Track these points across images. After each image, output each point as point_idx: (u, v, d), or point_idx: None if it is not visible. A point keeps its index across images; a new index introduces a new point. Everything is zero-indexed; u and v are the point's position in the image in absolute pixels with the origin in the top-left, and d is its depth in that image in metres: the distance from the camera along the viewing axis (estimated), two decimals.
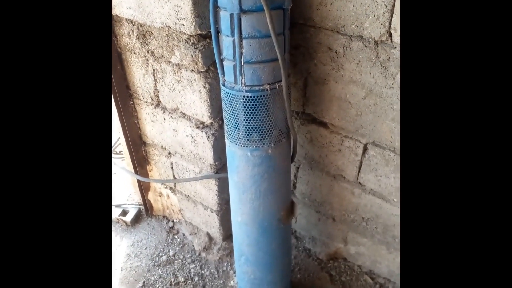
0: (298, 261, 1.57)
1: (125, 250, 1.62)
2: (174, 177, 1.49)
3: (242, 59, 0.87)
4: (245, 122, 0.95)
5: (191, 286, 1.48)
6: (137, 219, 1.74)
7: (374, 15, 0.87)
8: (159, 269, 1.54)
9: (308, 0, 0.94)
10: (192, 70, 1.06)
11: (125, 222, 1.71)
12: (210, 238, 1.61)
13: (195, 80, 1.08)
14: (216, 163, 1.29)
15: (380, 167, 1.15)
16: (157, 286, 1.48)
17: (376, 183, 1.19)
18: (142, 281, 1.50)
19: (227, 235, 1.58)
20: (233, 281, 1.50)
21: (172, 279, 1.50)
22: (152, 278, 1.51)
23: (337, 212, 1.39)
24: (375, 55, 0.94)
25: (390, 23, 0.86)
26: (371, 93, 1.01)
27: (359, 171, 1.21)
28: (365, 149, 1.15)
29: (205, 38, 1.02)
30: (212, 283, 1.50)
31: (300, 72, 1.10)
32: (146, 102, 1.31)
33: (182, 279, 1.50)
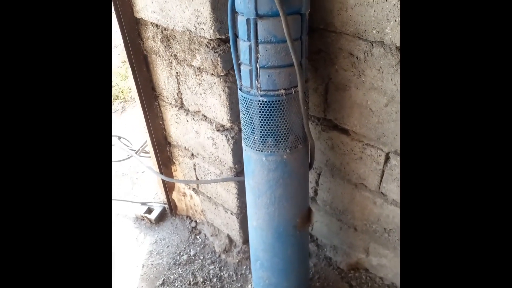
0: (318, 269, 1.54)
1: (147, 248, 1.66)
2: (197, 178, 1.52)
3: (257, 64, 0.87)
4: (260, 127, 0.95)
5: (209, 287, 1.50)
6: (161, 217, 1.78)
7: (395, 21, 0.84)
8: (179, 268, 1.57)
9: (329, 5, 0.92)
10: (212, 74, 1.08)
11: (150, 220, 1.75)
12: (231, 240, 1.62)
13: (215, 83, 1.09)
14: (236, 166, 1.29)
15: None
16: (176, 284, 1.51)
17: (399, 194, 1.15)
18: (162, 279, 1.53)
19: (247, 239, 1.58)
20: (251, 285, 1.49)
21: (191, 279, 1.52)
22: (172, 277, 1.54)
23: (359, 222, 1.35)
24: (397, 62, 0.90)
25: None
26: (393, 100, 0.97)
27: (381, 181, 1.17)
28: (387, 158, 1.11)
29: (225, 43, 1.02)
30: (230, 286, 1.50)
31: (321, 78, 1.08)
32: (170, 104, 1.34)
33: (201, 280, 1.52)
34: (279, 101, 0.91)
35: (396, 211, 1.20)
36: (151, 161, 1.62)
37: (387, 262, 1.38)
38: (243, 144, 1.04)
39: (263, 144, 0.97)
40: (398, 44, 0.87)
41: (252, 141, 0.98)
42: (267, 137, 0.96)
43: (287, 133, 0.96)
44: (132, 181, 2.03)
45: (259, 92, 0.90)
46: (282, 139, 0.96)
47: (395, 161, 1.09)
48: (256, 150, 0.98)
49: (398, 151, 1.07)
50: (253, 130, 0.97)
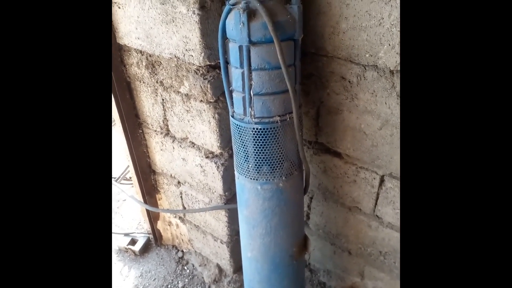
0: None
1: (133, 281, 1.57)
2: (184, 207, 1.46)
3: (251, 91, 0.84)
4: (255, 155, 0.91)
5: None
6: (146, 248, 1.70)
7: (389, 44, 0.83)
8: None
9: (320, 30, 0.91)
10: (201, 101, 1.04)
11: (134, 252, 1.67)
12: (220, 270, 1.55)
13: (204, 110, 1.05)
14: (226, 193, 1.25)
15: (398, 200, 1.09)
16: None
17: (394, 217, 1.13)
18: None
19: (238, 267, 1.52)
20: None
21: None
22: None
23: (353, 245, 1.32)
24: (391, 85, 0.89)
25: None
26: (387, 123, 0.96)
27: (376, 204, 1.15)
28: (382, 181, 1.09)
29: (215, 69, 0.99)
30: None
31: (313, 101, 1.07)
32: (155, 131, 1.29)
33: None
34: (274, 128, 0.88)
35: (392, 234, 1.17)
36: (134, 189, 1.55)
37: (383, 285, 1.35)
38: (235, 173, 1.00)
39: (258, 172, 0.93)
40: (392, 68, 0.86)
41: (246, 170, 0.95)
42: (262, 165, 0.92)
43: (282, 160, 0.93)
44: (113, 211, 1.94)
45: (253, 119, 0.87)
46: (277, 166, 0.93)
47: (390, 184, 1.07)
48: (251, 178, 0.95)
49: (393, 174, 1.05)
50: (247, 158, 0.93)
